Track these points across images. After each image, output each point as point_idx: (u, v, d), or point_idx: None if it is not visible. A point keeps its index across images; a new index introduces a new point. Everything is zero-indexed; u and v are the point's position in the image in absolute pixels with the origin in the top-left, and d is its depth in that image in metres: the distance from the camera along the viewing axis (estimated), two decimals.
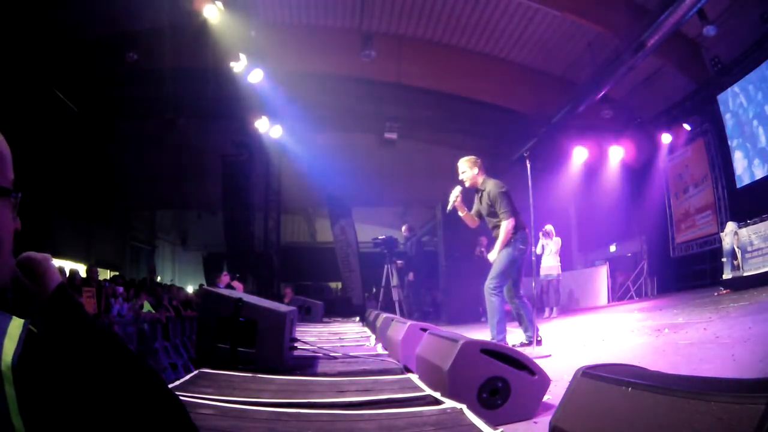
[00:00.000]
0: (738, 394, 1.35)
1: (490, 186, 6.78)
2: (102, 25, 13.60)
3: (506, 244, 6.63)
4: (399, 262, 14.14)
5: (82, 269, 13.13)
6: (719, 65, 12.79)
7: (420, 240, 14.80)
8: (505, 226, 6.60)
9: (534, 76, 16.10)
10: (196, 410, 3.10)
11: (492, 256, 6.75)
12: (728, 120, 12.91)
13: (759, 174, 12.07)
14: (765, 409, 1.24)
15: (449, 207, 6.97)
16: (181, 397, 3.44)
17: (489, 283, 6.56)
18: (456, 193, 6.85)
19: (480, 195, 6.91)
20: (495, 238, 6.87)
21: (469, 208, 7.05)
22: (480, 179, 6.89)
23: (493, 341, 6.12)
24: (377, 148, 18.30)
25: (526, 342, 6.64)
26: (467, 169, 6.88)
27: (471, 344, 3.60)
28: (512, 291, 6.71)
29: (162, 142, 17.00)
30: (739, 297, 8.67)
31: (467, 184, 6.92)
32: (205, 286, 12.36)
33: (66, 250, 16.57)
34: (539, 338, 6.72)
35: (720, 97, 13.01)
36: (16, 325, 0.99)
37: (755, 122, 12.07)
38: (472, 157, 6.97)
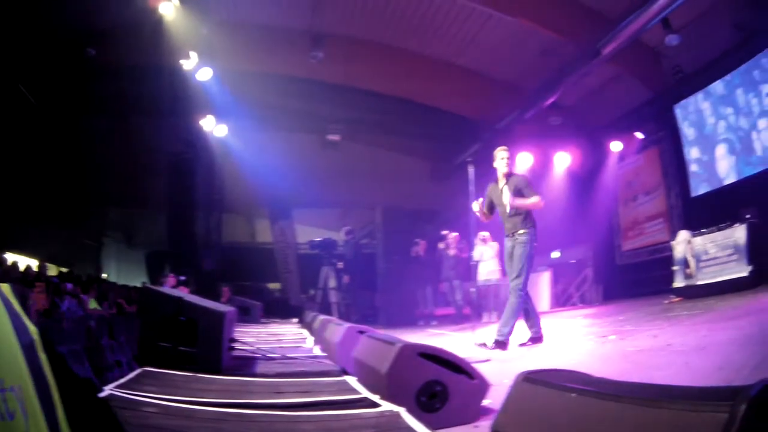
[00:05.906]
0: (696, 402, 1.31)
1: (519, 174, 7.33)
2: (64, 20, 13.29)
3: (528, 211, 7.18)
4: (339, 264, 14.11)
5: (35, 264, 13.28)
6: (680, 74, 12.82)
7: (358, 242, 14.78)
8: (538, 201, 7.13)
9: (484, 81, 16.21)
10: (142, 408, 3.15)
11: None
12: (686, 129, 13.10)
13: (715, 184, 12.31)
14: (728, 418, 1.20)
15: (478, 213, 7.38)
16: (126, 395, 3.45)
17: (515, 282, 6.77)
18: (478, 203, 7.37)
19: (507, 182, 7.17)
20: (509, 229, 7.30)
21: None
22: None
23: (500, 336, 6.52)
24: (320, 149, 18.38)
25: (533, 338, 6.84)
26: (507, 157, 7.24)
27: (409, 347, 3.62)
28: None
29: (115, 139, 16.77)
30: (693, 305, 8.47)
31: (505, 171, 7.23)
32: (148, 285, 12.14)
33: (21, 245, 16.29)
34: (540, 335, 6.91)
35: (678, 106, 13.20)
36: (8, 292, 1.07)
37: (715, 132, 12.29)
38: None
